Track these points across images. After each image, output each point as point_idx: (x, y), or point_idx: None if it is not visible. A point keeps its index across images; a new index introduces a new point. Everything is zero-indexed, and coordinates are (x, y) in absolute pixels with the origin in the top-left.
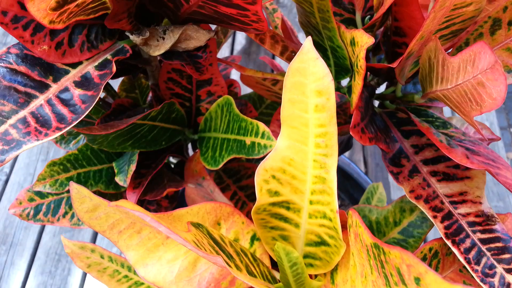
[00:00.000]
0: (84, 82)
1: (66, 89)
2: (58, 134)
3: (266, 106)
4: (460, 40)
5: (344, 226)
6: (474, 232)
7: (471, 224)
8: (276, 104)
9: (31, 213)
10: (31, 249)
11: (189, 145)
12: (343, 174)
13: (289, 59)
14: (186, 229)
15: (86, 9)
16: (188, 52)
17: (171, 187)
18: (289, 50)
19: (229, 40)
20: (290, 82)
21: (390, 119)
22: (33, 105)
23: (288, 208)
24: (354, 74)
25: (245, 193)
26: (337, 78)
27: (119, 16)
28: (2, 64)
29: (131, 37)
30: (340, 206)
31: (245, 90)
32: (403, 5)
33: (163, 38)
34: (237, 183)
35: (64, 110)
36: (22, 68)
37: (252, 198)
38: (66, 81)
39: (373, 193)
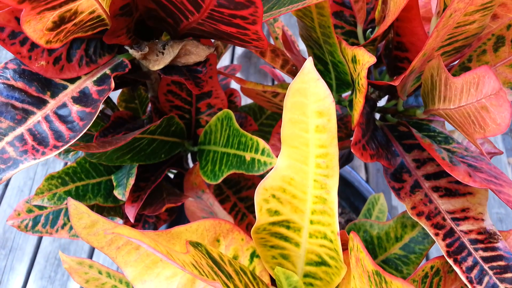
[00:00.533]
0: (82, 98)
1: (64, 105)
2: (55, 153)
3: (266, 117)
4: (463, 57)
5: (345, 245)
6: (476, 250)
7: (473, 241)
8: (276, 115)
9: (30, 224)
10: (30, 254)
11: (189, 156)
12: (344, 181)
13: (290, 73)
14: (184, 248)
15: (84, 27)
16: (188, 67)
17: (170, 202)
18: (290, 64)
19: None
20: (290, 102)
21: (392, 132)
22: (31, 121)
23: (288, 227)
24: (356, 91)
25: (245, 205)
26: (338, 91)
27: (118, 32)
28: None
29: (130, 51)
30: (340, 214)
31: (246, 99)
32: (405, 21)
33: (163, 53)
34: (237, 194)
35: (61, 127)
36: (20, 84)
37: (252, 210)
38: (64, 96)
39: (374, 204)
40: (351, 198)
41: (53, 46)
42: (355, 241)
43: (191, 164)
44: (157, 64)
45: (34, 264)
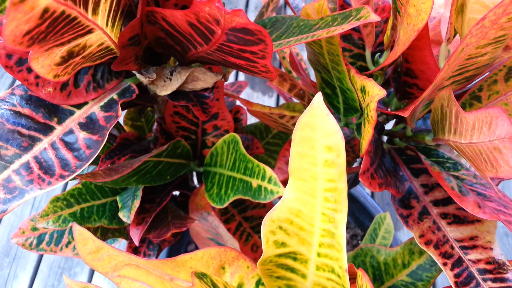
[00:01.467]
0: (89, 124)
1: (70, 131)
2: (61, 183)
3: (273, 136)
4: (474, 86)
5: (352, 276)
6: (485, 280)
7: (481, 271)
8: (283, 134)
9: (34, 242)
10: (34, 262)
11: (194, 174)
12: (349, 197)
13: (297, 96)
14: (189, 276)
15: (93, 58)
16: (195, 92)
17: (175, 226)
18: (297, 88)
19: None
20: (299, 136)
21: (400, 156)
22: (37, 148)
23: (295, 259)
24: (365, 121)
25: (250, 224)
26: (346, 115)
27: (127, 61)
28: (6, 107)
29: (138, 75)
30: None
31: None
32: (415, 49)
33: (170, 79)
34: (242, 213)
35: (68, 155)
36: (26, 111)
37: (257, 230)
38: (71, 122)
39: (380, 224)
40: (356, 213)
41: (61, 80)
42: (363, 280)
43: (195, 182)
44: (164, 89)
45: (38, 273)
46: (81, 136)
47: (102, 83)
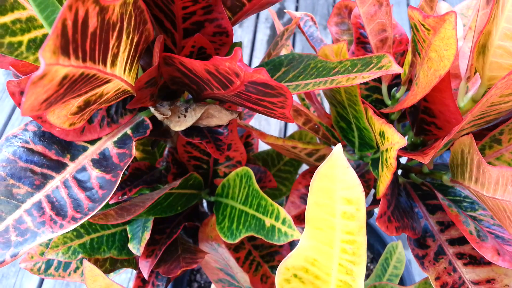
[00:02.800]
0: (102, 161)
1: (83, 169)
2: (73, 226)
3: (284, 163)
4: (495, 130)
5: None
6: None
7: None
8: (295, 161)
9: (42, 267)
10: None
11: (204, 201)
12: None
13: (311, 130)
14: None
15: (108, 101)
16: (209, 127)
17: (185, 262)
18: (312, 123)
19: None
20: (316, 186)
21: (415, 191)
22: (49, 187)
23: None
24: (383, 165)
25: (259, 253)
26: (360, 150)
27: (142, 100)
28: (18, 143)
29: (153, 111)
30: None
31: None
32: (435, 90)
33: (185, 116)
34: (252, 241)
35: (80, 195)
36: (39, 148)
37: (267, 259)
38: (84, 159)
39: (392, 253)
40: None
41: (76, 127)
42: None
43: (205, 205)
44: (178, 125)
45: (44, 283)
46: (94, 174)
47: (116, 118)
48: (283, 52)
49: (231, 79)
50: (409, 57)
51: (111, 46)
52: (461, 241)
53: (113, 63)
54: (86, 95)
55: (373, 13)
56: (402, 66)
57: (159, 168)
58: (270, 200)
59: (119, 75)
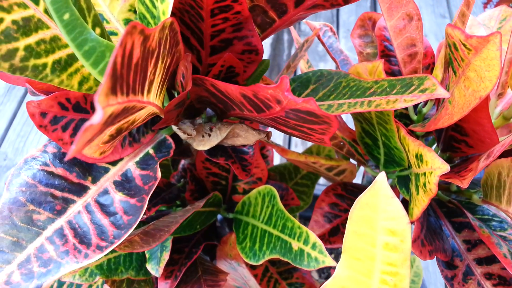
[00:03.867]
0: (124, 183)
1: (105, 191)
2: (99, 256)
3: (302, 177)
4: None
5: None
6: None
7: None
8: (312, 175)
9: (55, 286)
10: None
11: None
12: None
13: (336, 146)
14: None
15: (137, 125)
16: (233, 146)
17: (207, 285)
18: (337, 139)
19: None
20: (357, 215)
21: (440, 208)
22: (71, 211)
23: None
24: (419, 188)
25: (277, 269)
26: (386, 167)
27: (169, 121)
28: (38, 166)
29: (176, 131)
30: None
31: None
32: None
33: (209, 135)
34: None
35: (104, 221)
36: (60, 170)
37: (285, 276)
38: (106, 181)
39: (410, 267)
40: None
41: (106, 156)
42: None
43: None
44: (202, 144)
45: None
46: (117, 197)
47: (138, 137)
48: (301, 63)
49: (270, 105)
50: (436, 71)
51: (148, 74)
52: (489, 260)
53: (149, 91)
54: (119, 124)
55: (401, 27)
56: None
57: (176, 185)
58: (297, 222)
59: (153, 101)
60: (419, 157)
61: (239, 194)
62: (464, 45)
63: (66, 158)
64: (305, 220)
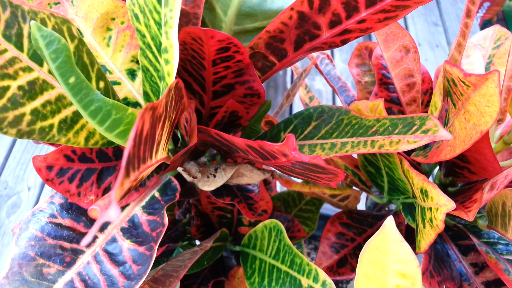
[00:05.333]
0: (132, 230)
1: (113, 239)
2: None
3: (306, 203)
4: None
5: None
6: None
7: None
8: (316, 201)
9: None
10: None
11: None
12: None
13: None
14: None
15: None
16: (239, 185)
17: None
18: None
19: None
20: (367, 259)
21: (446, 231)
22: (80, 262)
23: None
24: (425, 222)
25: None
26: (390, 194)
27: (175, 167)
28: (46, 219)
29: (180, 170)
30: None
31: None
32: None
33: (214, 176)
34: None
35: (114, 271)
36: (68, 221)
37: None
38: (113, 228)
39: None
40: None
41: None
42: None
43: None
44: (207, 185)
45: None
46: (126, 245)
47: (144, 182)
48: (301, 90)
49: (276, 157)
50: (435, 98)
51: (156, 137)
52: (498, 283)
53: (157, 151)
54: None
55: (399, 59)
56: (426, 105)
57: (182, 221)
58: (305, 259)
59: (160, 158)
60: (424, 192)
61: (245, 226)
62: (463, 82)
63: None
64: (310, 238)
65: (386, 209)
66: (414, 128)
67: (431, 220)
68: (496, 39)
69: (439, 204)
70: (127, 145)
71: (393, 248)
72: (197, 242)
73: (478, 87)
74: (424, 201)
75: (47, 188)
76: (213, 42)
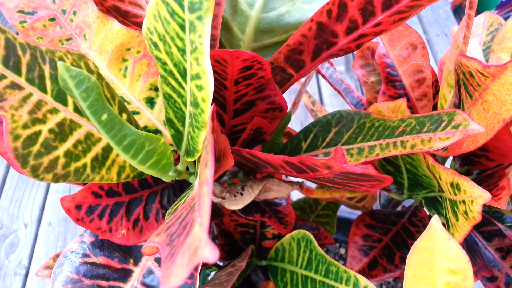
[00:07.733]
0: None
1: (149, 271)
2: None
3: (322, 208)
4: None
5: None
6: None
7: None
8: (332, 204)
9: None
10: None
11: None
12: None
13: None
14: None
15: None
16: (266, 201)
17: None
18: None
19: None
20: (415, 260)
21: None
22: None
23: None
24: (459, 215)
25: None
26: (411, 190)
27: None
28: (79, 259)
29: None
30: None
31: None
32: None
33: (241, 194)
34: None
35: None
36: (101, 259)
37: None
38: (147, 260)
39: None
40: None
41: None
42: None
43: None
44: (235, 204)
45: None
46: None
47: (169, 207)
48: (304, 97)
49: (318, 170)
50: (443, 90)
51: None
52: None
53: None
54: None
55: (406, 56)
56: (433, 98)
57: None
58: (342, 266)
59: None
60: (455, 186)
61: (269, 239)
62: (482, 73)
63: None
64: None
65: (405, 205)
66: (443, 124)
67: (466, 212)
68: (489, 25)
69: (474, 196)
70: (208, 179)
71: (441, 246)
72: (218, 262)
73: (497, 76)
74: (455, 194)
75: (45, 223)
76: (237, 62)
